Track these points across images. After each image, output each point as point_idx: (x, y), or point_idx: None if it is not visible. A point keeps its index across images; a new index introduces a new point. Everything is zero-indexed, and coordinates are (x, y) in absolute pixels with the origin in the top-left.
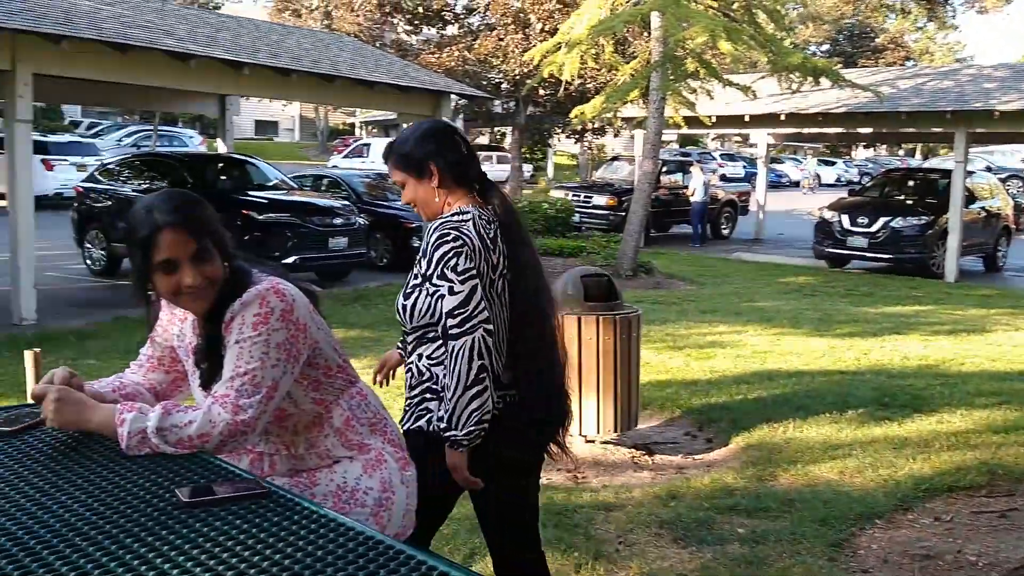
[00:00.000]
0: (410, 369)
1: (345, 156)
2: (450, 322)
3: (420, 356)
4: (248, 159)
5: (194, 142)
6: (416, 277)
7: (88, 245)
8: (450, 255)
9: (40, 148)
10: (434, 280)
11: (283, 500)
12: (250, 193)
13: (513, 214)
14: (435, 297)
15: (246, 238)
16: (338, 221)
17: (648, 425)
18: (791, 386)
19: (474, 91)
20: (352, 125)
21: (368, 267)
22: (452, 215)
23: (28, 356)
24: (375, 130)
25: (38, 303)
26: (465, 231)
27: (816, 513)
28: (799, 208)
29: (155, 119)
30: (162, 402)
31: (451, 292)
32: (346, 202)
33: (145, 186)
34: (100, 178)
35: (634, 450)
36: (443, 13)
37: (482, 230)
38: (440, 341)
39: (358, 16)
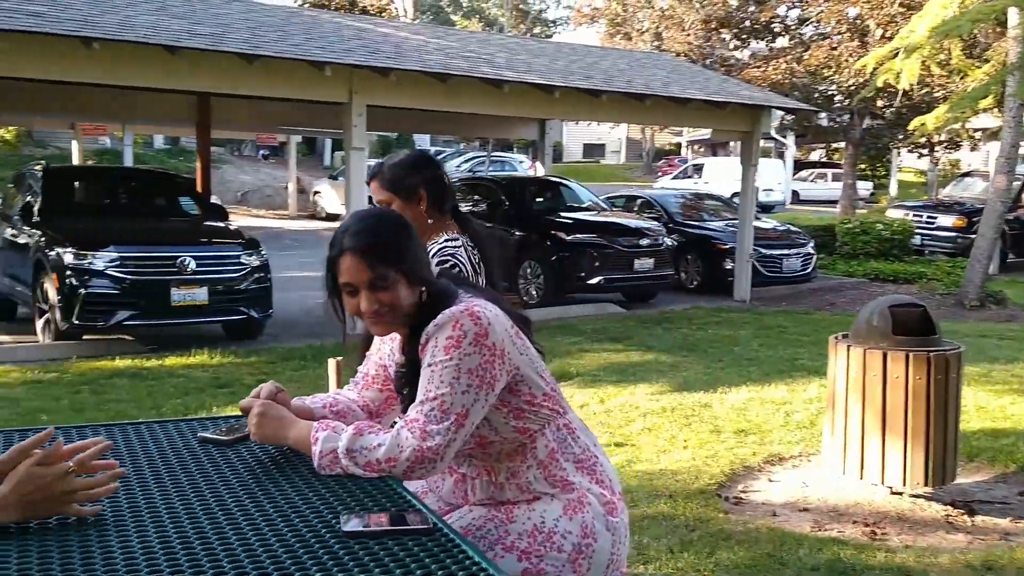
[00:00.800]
0: None
1: (675, 177)
2: None
3: None
4: (562, 181)
5: (523, 166)
6: None
7: None
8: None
9: None
10: None
11: (446, 542)
12: (560, 214)
13: (483, 240)
14: None
15: (553, 258)
16: (645, 242)
17: (972, 480)
18: None
19: (796, 104)
20: (678, 145)
21: (677, 289)
22: (446, 241)
23: (331, 364)
24: (702, 149)
25: None
26: (460, 257)
27: None
28: None
29: (488, 145)
30: (356, 422)
31: None
32: (656, 223)
33: (468, 208)
34: None
35: (950, 508)
36: (772, 25)
37: (470, 255)
38: None
39: (688, 35)
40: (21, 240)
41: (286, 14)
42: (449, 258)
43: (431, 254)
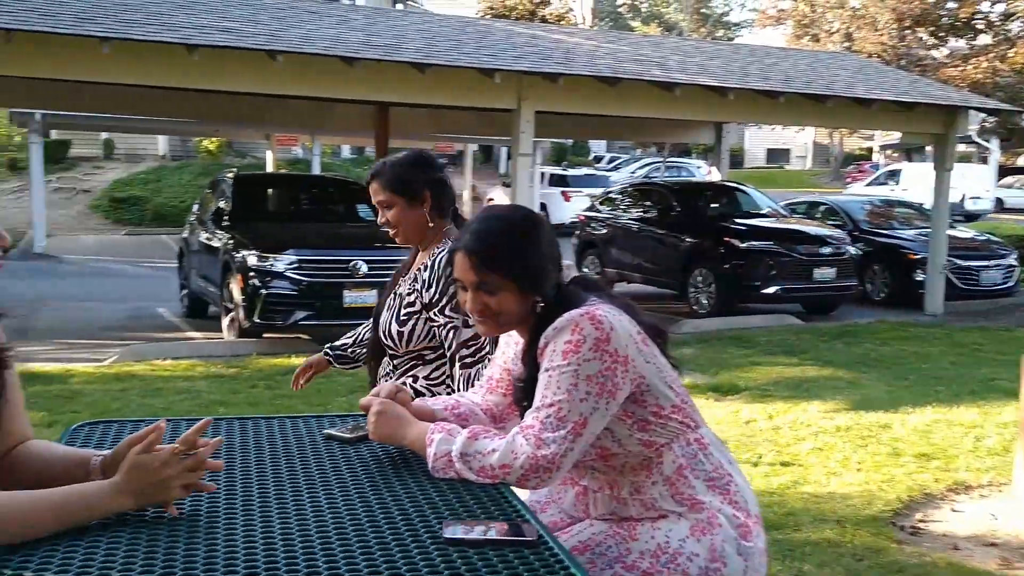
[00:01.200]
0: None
1: (869, 184)
2: (464, 352)
3: (415, 378)
4: (739, 186)
5: (700, 172)
6: (411, 305)
7: (585, 269)
8: None
9: (560, 181)
10: (446, 312)
11: (550, 556)
12: (735, 220)
13: None
14: (446, 328)
15: (726, 266)
16: (826, 250)
17: None
18: None
19: (998, 104)
20: (868, 150)
21: (861, 301)
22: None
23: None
24: (896, 154)
25: None
26: None
27: None
28: None
29: (664, 150)
30: (472, 426)
31: (466, 325)
32: (839, 230)
33: (638, 214)
34: (600, 207)
35: None
36: (973, 22)
37: None
38: (438, 363)
39: (881, 35)
40: (213, 243)
41: (461, 24)
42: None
43: (442, 265)
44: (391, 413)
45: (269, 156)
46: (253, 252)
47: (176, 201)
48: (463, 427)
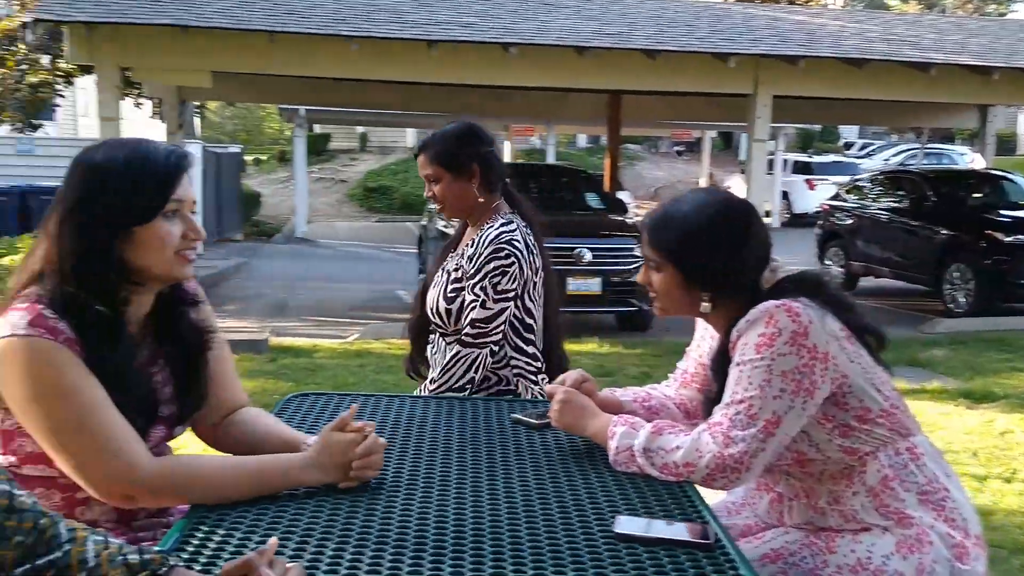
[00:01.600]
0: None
1: None
2: (468, 331)
3: None
4: (1005, 175)
5: (964, 159)
6: (458, 281)
7: (827, 262)
8: (496, 272)
9: (804, 168)
10: (475, 289)
11: (725, 562)
12: (999, 212)
13: (537, 216)
14: (469, 304)
15: (987, 262)
16: None
17: None
18: None
19: None
20: None
21: None
22: (502, 227)
23: None
24: None
25: None
26: (517, 245)
27: None
28: None
29: (922, 136)
30: (656, 421)
31: (482, 305)
32: None
33: (891, 204)
34: (846, 196)
35: None
36: None
37: (527, 238)
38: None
39: None
40: (447, 230)
41: (696, 8)
42: (504, 247)
43: (488, 240)
44: (575, 403)
45: (507, 147)
46: None
47: (420, 191)
48: (652, 420)
